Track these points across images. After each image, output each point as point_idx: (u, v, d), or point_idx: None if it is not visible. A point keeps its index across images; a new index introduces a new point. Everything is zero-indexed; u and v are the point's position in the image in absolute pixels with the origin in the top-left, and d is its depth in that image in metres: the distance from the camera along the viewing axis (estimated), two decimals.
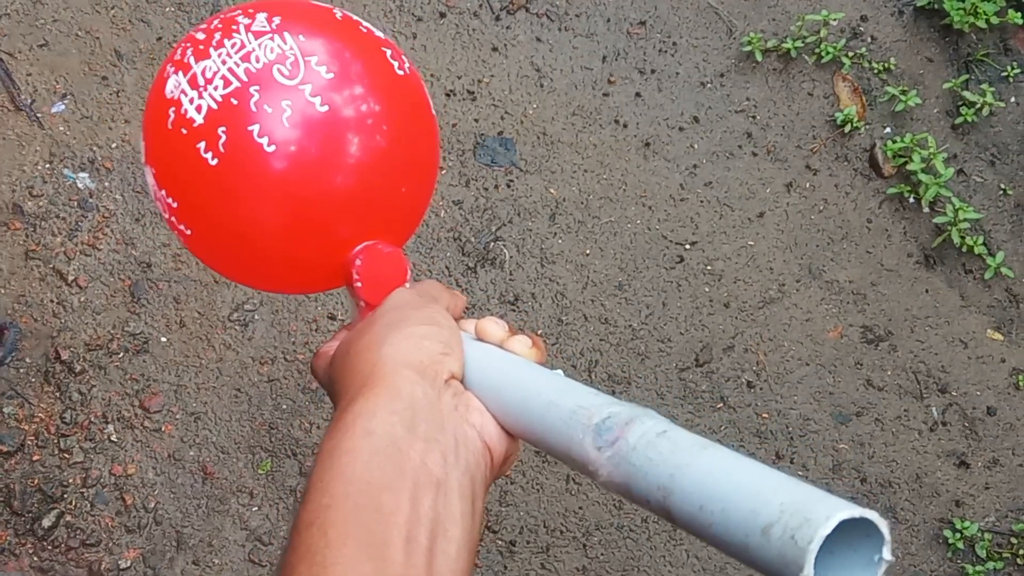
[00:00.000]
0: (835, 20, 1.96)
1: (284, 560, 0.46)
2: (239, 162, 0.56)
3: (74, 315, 1.62)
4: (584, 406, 0.49)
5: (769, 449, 1.73)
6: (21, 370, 1.58)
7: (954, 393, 1.82)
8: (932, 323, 1.85)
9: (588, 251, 1.79)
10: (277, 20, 0.59)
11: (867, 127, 1.95)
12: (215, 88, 0.56)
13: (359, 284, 0.61)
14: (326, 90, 0.57)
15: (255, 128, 0.56)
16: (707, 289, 1.81)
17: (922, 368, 1.82)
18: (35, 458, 1.54)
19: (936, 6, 2.00)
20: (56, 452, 1.55)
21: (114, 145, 1.72)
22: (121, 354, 1.61)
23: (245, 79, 0.56)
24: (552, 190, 1.82)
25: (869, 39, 2.01)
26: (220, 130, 0.56)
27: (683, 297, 1.79)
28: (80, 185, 1.68)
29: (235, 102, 0.56)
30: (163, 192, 0.61)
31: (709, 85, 1.93)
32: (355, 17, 0.64)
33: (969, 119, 1.94)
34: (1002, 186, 1.95)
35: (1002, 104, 1.97)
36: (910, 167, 1.86)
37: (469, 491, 0.49)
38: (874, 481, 1.74)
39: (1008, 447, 1.80)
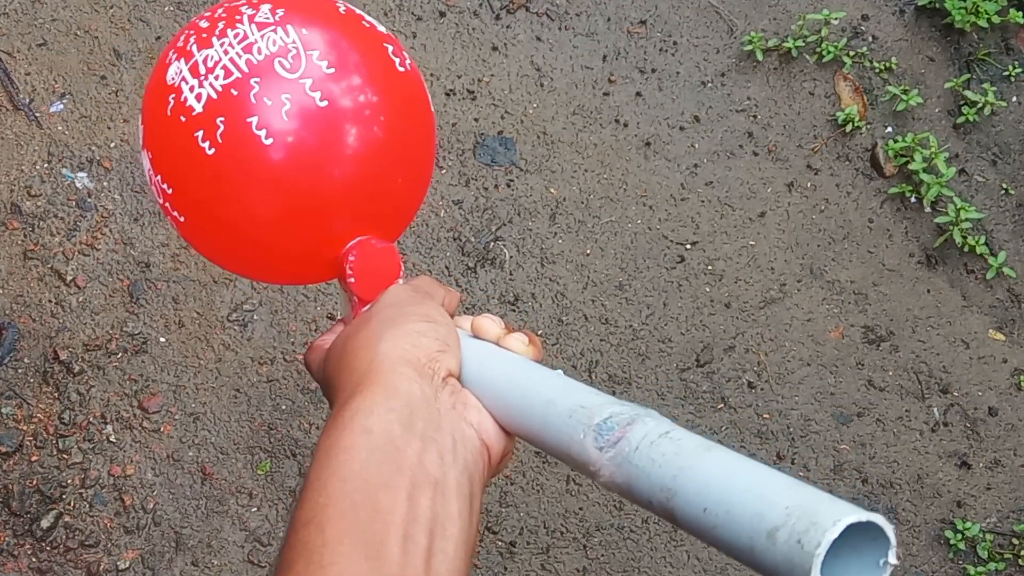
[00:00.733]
0: (836, 19, 1.95)
1: (281, 558, 0.46)
2: (236, 153, 0.56)
3: (72, 315, 1.61)
4: (585, 405, 0.49)
5: (770, 450, 1.73)
6: (19, 370, 1.57)
7: (956, 393, 1.81)
8: (934, 323, 1.85)
9: (588, 251, 1.79)
10: (280, 12, 0.58)
11: (868, 126, 1.94)
12: (216, 78, 0.56)
13: (352, 279, 0.61)
14: (326, 85, 0.57)
15: (254, 120, 0.56)
16: (708, 289, 1.80)
17: (924, 368, 1.82)
18: (33, 459, 1.54)
19: (937, 5, 2.00)
20: (55, 453, 1.54)
21: (113, 145, 1.71)
22: (120, 354, 1.60)
23: (246, 70, 0.56)
24: (552, 190, 1.81)
25: (870, 38, 2.01)
26: (219, 120, 0.56)
27: (684, 297, 1.79)
28: (79, 185, 1.68)
29: (235, 93, 0.56)
30: (158, 178, 0.61)
31: (710, 84, 1.93)
32: (358, 11, 0.64)
33: (971, 118, 1.93)
34: (1004, 186, 1.95)
35: (1004, 103, 1.97)
36: (912, 167, 1.85)
37: (467, 490, 0.49)
38: (875, 482, 1.74)
39: (1010, 448, 1.79)
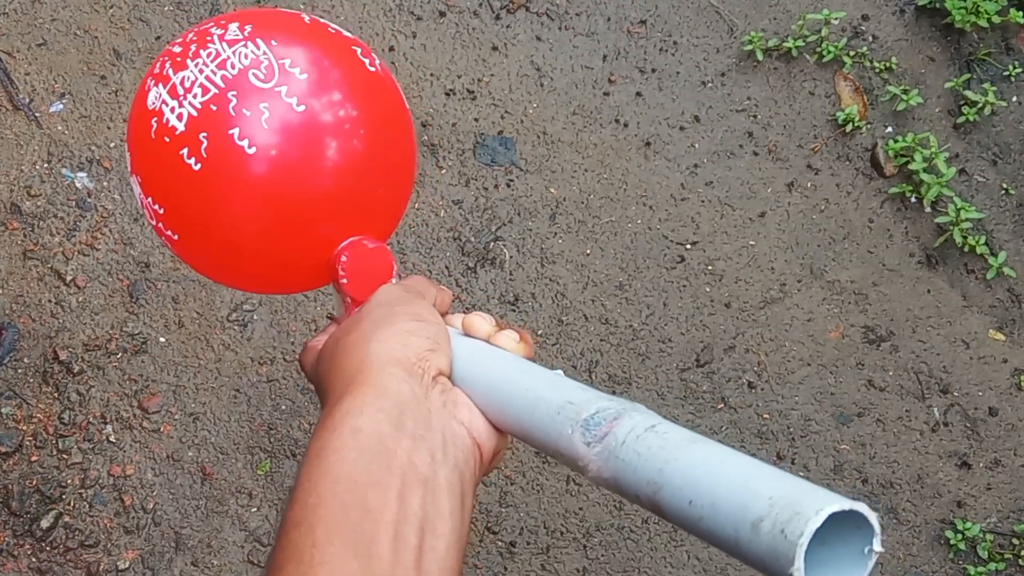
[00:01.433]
0: (836, 19, 1.95)
1: (272, 559, 0.46)
2: (222, 165, 0.58)
3: (72, 315, 1.61)
4: (573, 401, 0.49)
5: (770, 450, 1.73)
6: (19, 370, 1.57)
7: (956, 394, 1.81)
8: (934, 323, 1.85)
9: (588, 251, 1.79)
10: (249, 28, 0.60)
11: (869, 126, 1.94)
12: (194, 96, 0.58)
13: (345, 280, 0.62)
14: (301, 90, 0.58)
15: (235, 131, 0.57)
16: (708, 289, 1.80)
17: (924, 368, 1.82)
18: (33, 459, 1.53)
19: (937, 5, 2.00)
20: (54, 453, 1.54)
21: (112, 144, 1.71)
22: (119, 354, 1.60)
23: (222, 85, 0.58)
24: (552, 190, 1.81)
25: (870, 38, 2.01)
26: (201, 136, 0.58)
27: (684, 297, 1.79)
28: (78, 184, 1.68)
29: (214, 108, 0.58)
30: (149, 200, 0.62)
31: (710, 84, 1.93)
32: (323, 20, 0.66)
33: (971, 118, 1.93)
34: (1004, 186, 1.94)
35: (1004, 103, 1.97)
36: (912, 167, 1.85)
37: (458, 488, 0.49)
38: (875, 482, 1.74)
39: (1010, 448, 1.79)
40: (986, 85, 1.95)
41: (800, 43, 1.93)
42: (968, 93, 1.94)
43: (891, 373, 1.80)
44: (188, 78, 0.59)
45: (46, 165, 1.68)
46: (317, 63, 0.60)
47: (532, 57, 1.88)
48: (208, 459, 1.58)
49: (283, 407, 1.62)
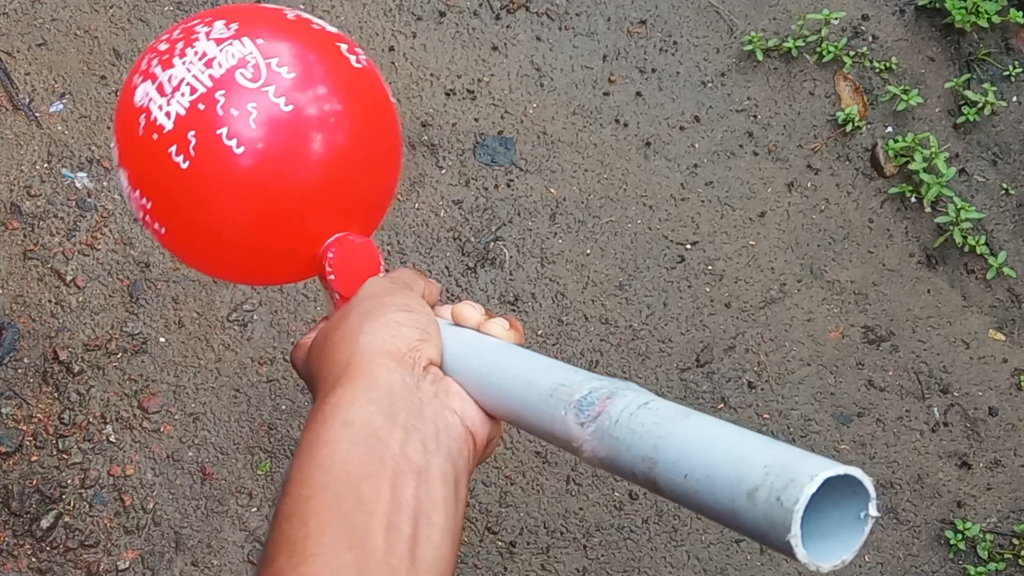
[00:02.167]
0: (836, 19, 1.95)
1: (264, 552, 0.46)
2: (209, 164, 0.58)
3: (72, 315, 1.61)
4: (565, 383, 0.49)
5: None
6: (19, 370, 1.57)
7: (956, 394, 1.81)
8: (934, 323, 1.85)
9: (588, 251, 1.79)
10: (235, 26, 0.61)
11: (868, 126, 1.94)
12: (182, 95, 0.59)
13: (332, 276, 0.63)
14: (288, 89, 0.59)
15: (223, 131, 0.58)
16: (708, 289, 1.80)
17: (924, 368, 1.82)
18: (33, 459, 1.53)
19: (937, 5, 2.00)
20: (54, 453, 1.54)
21: (112, 145, 1.71)
22: (119, 354, 1.60)
23: (210, 84, 0.58)
24: (552, 190, 1.81)
25: (870, 38, 2.01)
26: (190, 134, 0.58)
27: (684, 297, 1.79)
28: (78, 184, 1.68)
29: (202, 107, 0.58)
30: (137, 193, 0.63)
31: (710, 84, 1.92)
32: (306, 15, 0.66)
33: (971, 118, 1.93)
34: (1004, 186, 1.94)
35: (1004, 103, 1.97)
36: (912, 167, 1.85)
37: (451, 477, 0.49)
38: (876, 482, 1.74)
39: (1010, 448, 1.79)
40: (986, 85, 1.95)
41: (800, 43, 1.93)
42: (968, 93, 1.94)
43: (891, 373, 1.80)
44: (175, 76, 0.59)
45: (46, 165, 1.68)
46: (303, 61, 0.61)
47: (532, 57, 1.88)
48: (208, 459, 1.58)
49: (283, 407, 1.62)
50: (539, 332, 1.72)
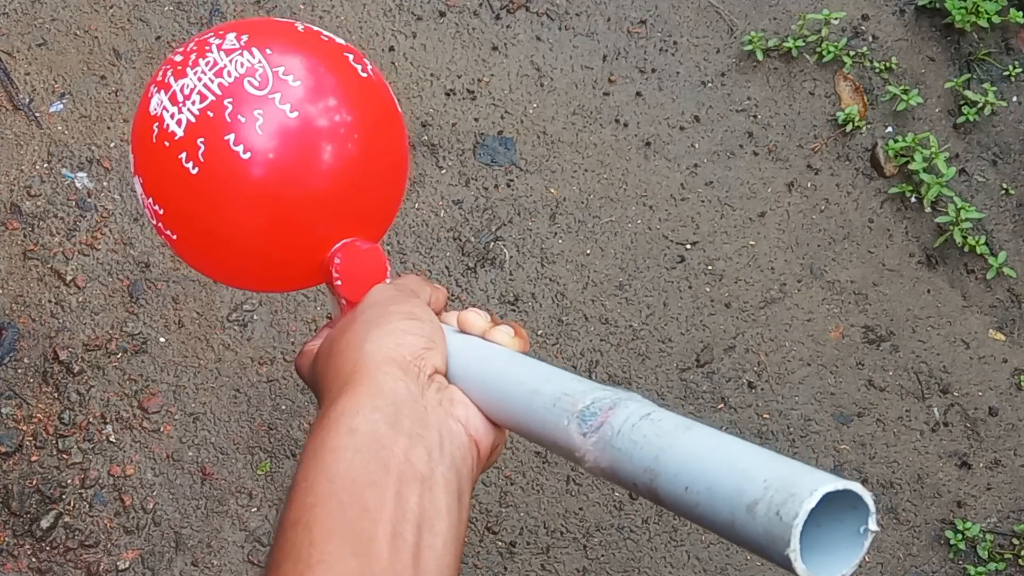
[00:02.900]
0: (836, 19, 1.95)
1: (269, 559, 0.46)
2: (217, 170, 0.60)
3: (72, 315, 1.61)
4: (568, 393, 0.49)
5: (770, 449, 1.73)
6: (19, 370, 1.57)
7: (956, 394, 1.81)
8: (934, 323, 1.85)
9: (588, 251, 1.79)
10: (245, 38, 0.63)
11: (869, 126, 1.94)
12: (192, 103, 0.60)
13: (339, 282, 0.63)
14: (294, 97, 0.61)
15: (231, 137, 0.59)
16: (708, 289, 1.80)
17: (924, 368, 1.82)
18: (33, 459, 1.53)
19: (937, 5, 2.00)
20: (54, 453, 1.54)
21: (112, 144, 1.71)
22: (119, 354, 1.60)
23: (219, 92, 0.60)
24: (552, 190, 1.81)
25: (870, 38, 2.01)
26: (199, 141, 0.60)
27: (684, 297, 1.79)
28: (78, 185, 1.68)
29: (211, 115, 0.60)
30: (150, 200, 0.64)
31: (710, 84, 1.93)
32: (316, 28, 0.68)
33: (971, 118, 1.93)
34: (1004, 186, 1.94)
35: (1004, 103, 1.97)
36: (912, 166, 1.85)
37: (455, 485, 0.49)
38: (875, 482, 1.74)
39: (1010, 448, 1.79)
40: (986, 85, 1.95)
41: (800, 43, 1.93)
42: (968, 93, 1.94)
43: (891, 373, 1.80)
44: (187, 86, 0.61)
45: (46, 165, 1.68)
46: (309, 70, 0.62)
47: (532, 57, 1.88)
48: (208, 459, 1.58)
49: (283, 407, 1.62)
50: (539, 332, 1.72)
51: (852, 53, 1.96)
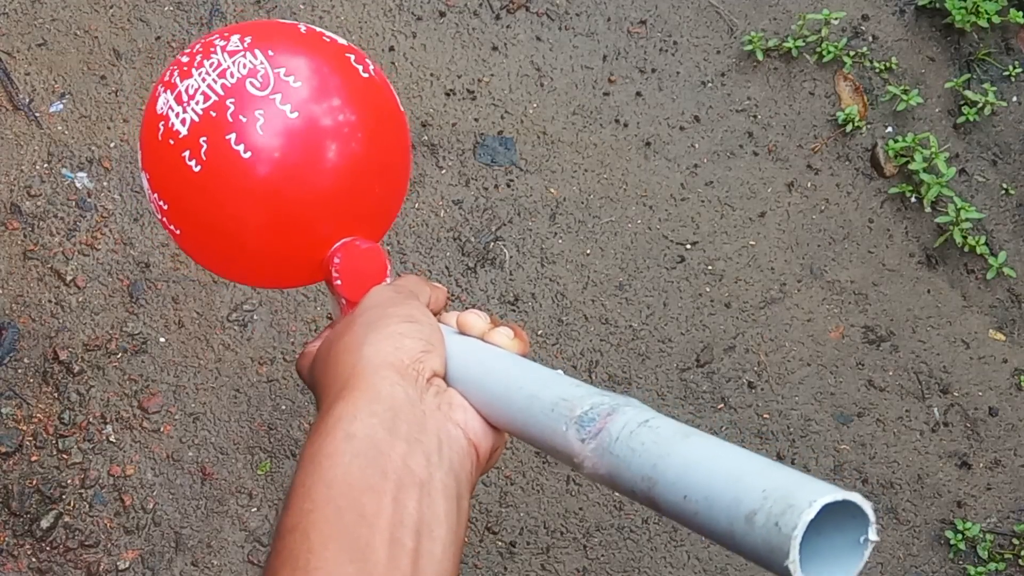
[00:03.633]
0: (836, 19, 1.95)
1: (267, 565, 0.46)
2: (219, 168, 0.61)
3: (72, 315, 1.61)
4: (567, 398, 0.49)
5: (770, 450, 1.73)
6: (19, 370, 1.57)
7: (956, 394, 1.81)
8: (934, 323, 1.85)
9: (588, 251, 1.79)
10: (248, 39, 0.64)
11: (869, 126, 1.94)
12: (196, 103, 0.62)
13: (339, 282, 0.64)
14: (295, 98, 0.62)
15: (232, 136, 0.61)
16: (708, 289, 1.80)
17: (924, 368, 1.82)
18: (33, 459, 1.53)
19: (937, 5, 2.00)
20: (54, 453, 1.54)
21: (112, 144, 1.71)
22: (119, 354, 1.60)
23: (222, 93, 0.62)
24: (552, 190, 1.81)
25: (870, 38, 2.01)
26: (202, 140, 0.61)
27: (684, 297, 1.79)
28: (78, 185, 1.68)
29: (214, 114, 0.61)
30: (155, 195, 0.66)
31: (710, 84, 1.92)
32: (318, 29, 0.69)
33: (971, 118, 1.93)
34: (1004, 186, 1.94)
35: (1004, 103, 1.97)
36: (912, 167, 1.85)
37: (454, 490, 0.49)
38: (875, 482, 1.74)
39: (1010, 448, 1.79)
40: (986, 85, 1.95)
41: (800, 43, 1.93)
42: (968, 93, 1.94)
43: (891, 373, 1.80)
44: (192, 86, 0.63)
45: (46, 165, 1.68)
46: (311, 71, 0.64)
47: (532, 57, 1.88)
48: (208, 459, 1.58)
49: (283, 407, 1.62)
50: (539, 332, 1.72)
51: (852, 53, 1.96)
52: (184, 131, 0.62)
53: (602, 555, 1.63)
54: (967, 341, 1.84)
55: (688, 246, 1.82)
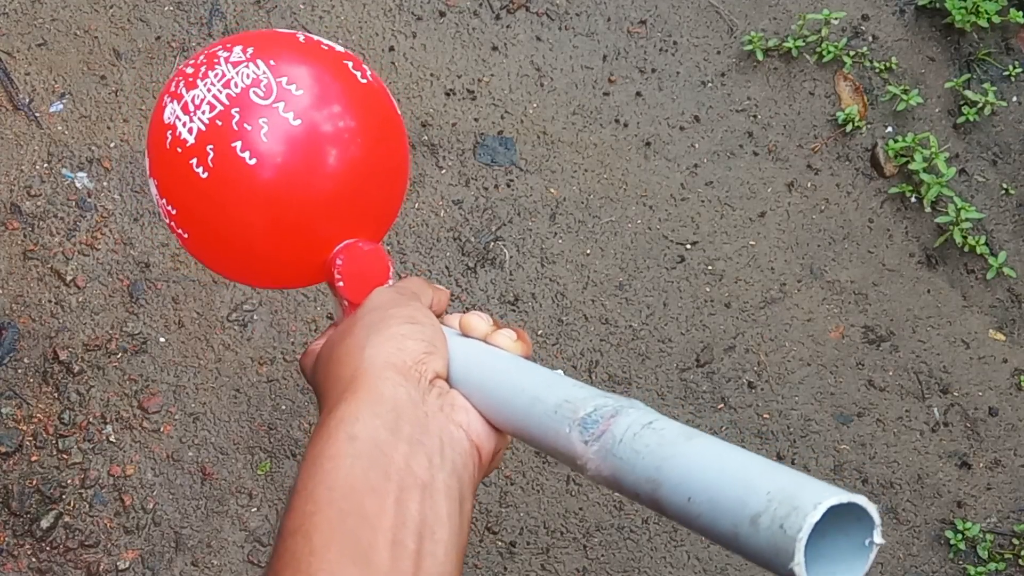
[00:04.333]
0: (836, 19, 1.95)
1: (269, 568, 0.46)
2: (226, 174, 0.64)
3: (72, 315, 1.61)
4: (570, 400, 0.49)
5: (770, 450, 1.73)
6: (19, 370, 1.57)
7: (956, 394, 1.81)
8: (934, 323, 1.85)
9: (588, 251, 1.79)
10: (251, 50, 0.67)
11: (869, 126, 1.94)
12: (202, 113, 0.65)
13: (341, 283, 0.65)
14: (297, 105, 0.64)
15: (238, 144, 0.63)
16: (708, 289, 1.80)
17: (924, 368, 1.82)
18: (33, 459, 1.53)
19: (937, 5, 2.00)
20: (54, 453, 1.54)
21: (112, 144, 1.71)
22: (119, 354, 1.60)
23: (227, 103, 0.64)
24: (552, 190, 1.81)
25: (870, 38, 2.01)
26: (208, 148, 0.64)
27: (684, 297, 1.79)
28: (78, 185, 1.68)
29: (220, 123, 0.64)
30: (164, 201, 0.69)
31: (710, 84, 1.92)
32: (316, 38, 0.71)
33: (971, 118, 1.93)
34: (1004, 186, 1.94)
35: (1004, 103, 1.97)
36: (912, 166, 1.85)
37: (456, 492, 0.49)
38: (875, 482, 1.74)
39: (1010, 448, 1.79)
40: (986, 85, 1.95)
41: (800, 43, 1.93)
42: (968, 93, 1.94)
43: (891, 373, 1.80)
44: (198, 96, 0.65)
45: (46, 165, 1.68)
46: (311, 79, 0.66)
47: (532, 57, 1.88)
48: (208, 459, 1.58)
49: (283, 407, 1.62)
50: (539, 332, 1.72)
51: (852, 53, 1.96)
52: (191, 140, 0.64)
53: (602, 555, 1.63)
54: (967, 341, 1.84)
55: (688, 246, 1.82)
